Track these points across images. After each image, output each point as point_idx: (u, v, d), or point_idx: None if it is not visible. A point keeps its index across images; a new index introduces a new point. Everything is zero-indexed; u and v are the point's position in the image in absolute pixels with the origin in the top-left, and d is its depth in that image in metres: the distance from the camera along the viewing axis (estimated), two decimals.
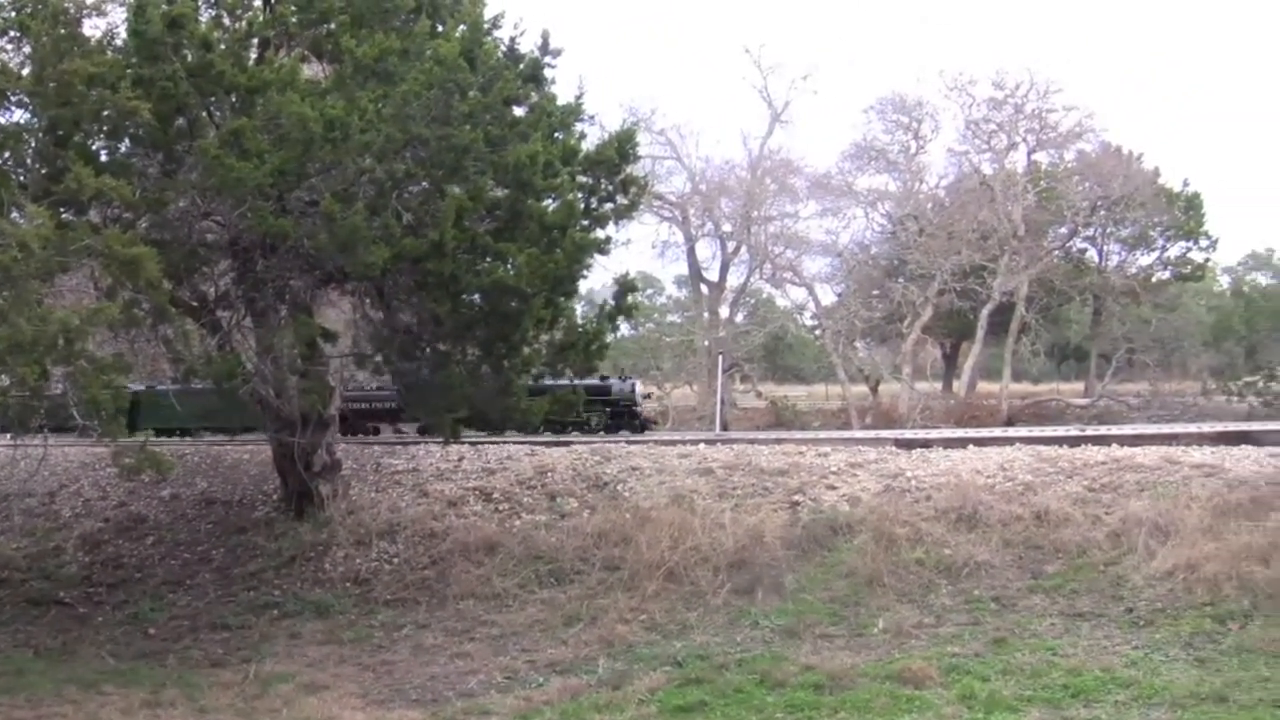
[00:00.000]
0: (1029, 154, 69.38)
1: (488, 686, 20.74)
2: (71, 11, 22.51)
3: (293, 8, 24.70)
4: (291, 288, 25.23)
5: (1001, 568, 23.76)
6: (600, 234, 26.89)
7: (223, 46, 23.42)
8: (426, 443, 32.93)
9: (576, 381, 37.35)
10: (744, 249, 67.54)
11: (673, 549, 24.81)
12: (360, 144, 22.15)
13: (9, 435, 27.28)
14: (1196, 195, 72.44)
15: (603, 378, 39.99)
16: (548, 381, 36.87)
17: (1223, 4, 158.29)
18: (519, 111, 25.91)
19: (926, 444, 31.17)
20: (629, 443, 33.04)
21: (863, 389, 64.03)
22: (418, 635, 23.56)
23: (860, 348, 67.76)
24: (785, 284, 69.80)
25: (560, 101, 27.12)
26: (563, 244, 24.65)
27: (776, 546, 25.05)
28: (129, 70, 22.36)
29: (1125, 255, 74.47)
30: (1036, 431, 35.16)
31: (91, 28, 23.82)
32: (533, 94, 26.68)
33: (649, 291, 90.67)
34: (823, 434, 38.08)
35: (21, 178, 22.04)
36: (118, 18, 24.05)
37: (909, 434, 35.81)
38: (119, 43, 23.61)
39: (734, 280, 70.70)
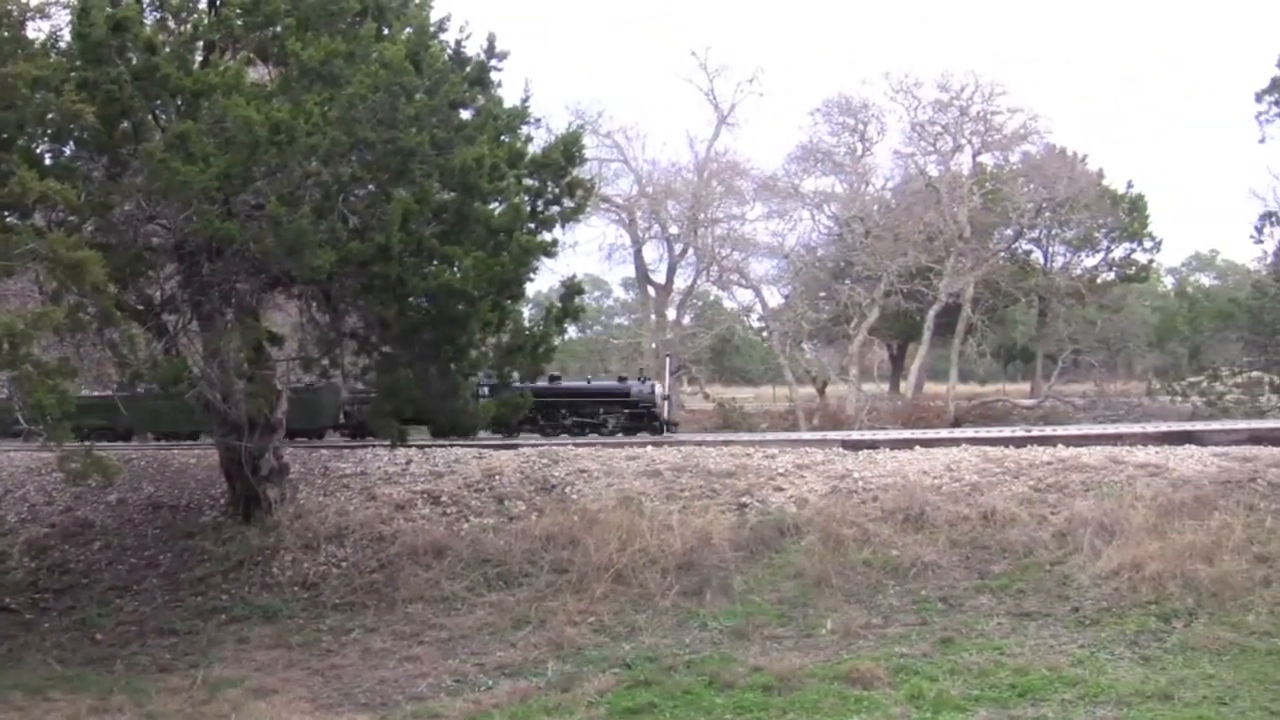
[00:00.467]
0: (974, 156, 69.77)
1: (437, 690, 20.74)
2: (15, 14, 22.34)
3: (238, 11, 24.60)
4: (238, 291, 25.11)
5: (948, 568, 23.92)
6: (547, 237, 26.90)
7: (168, 49, 23.30)
8: (374, 446, 32.81)
9: (594, 383, 37.52)
10: (691, 251, 67.63)
11: (621, 551, 24.85)
12: (306, 147, 22.07)
13: None
14: (1140, 197, 72.96)
15: (621, 379, 39.95)
16: (564, 384, 36.96)
17: (1163, 7, 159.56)
18: (465, 114, 25.88)
19: (873, 445, 31.31)
20: (577, 445, 33.02)
21: (810, 390, 64.18)
22: (366, 639, 23.51)
23: (807, 349, 67.80)
24: (732, 286, 69.97)
25: (506, 104, 27.12)
26: (509, 247, 24.65)
27: (724, 548, 25.12)
28: (73, 73, 22.23)
29: (1070, 257, 75.00)
30: (983, 432, 35.36)
31: (35, 30, 23.65)
32: (479, 97, 26.65)
33: (596, 294, 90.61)
34: (770, 436, 38.19)
35: None
36: (62, 20, 23.88)
37: (856, 435, 35.93)
38: (63, 45, 23.44)
39: (681, 282, 70.83)
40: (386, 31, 25.45)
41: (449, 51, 26.45)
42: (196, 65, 24.32)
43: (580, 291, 28.62)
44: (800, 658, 20.54)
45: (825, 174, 71.04)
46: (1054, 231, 71.41)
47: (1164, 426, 34.71)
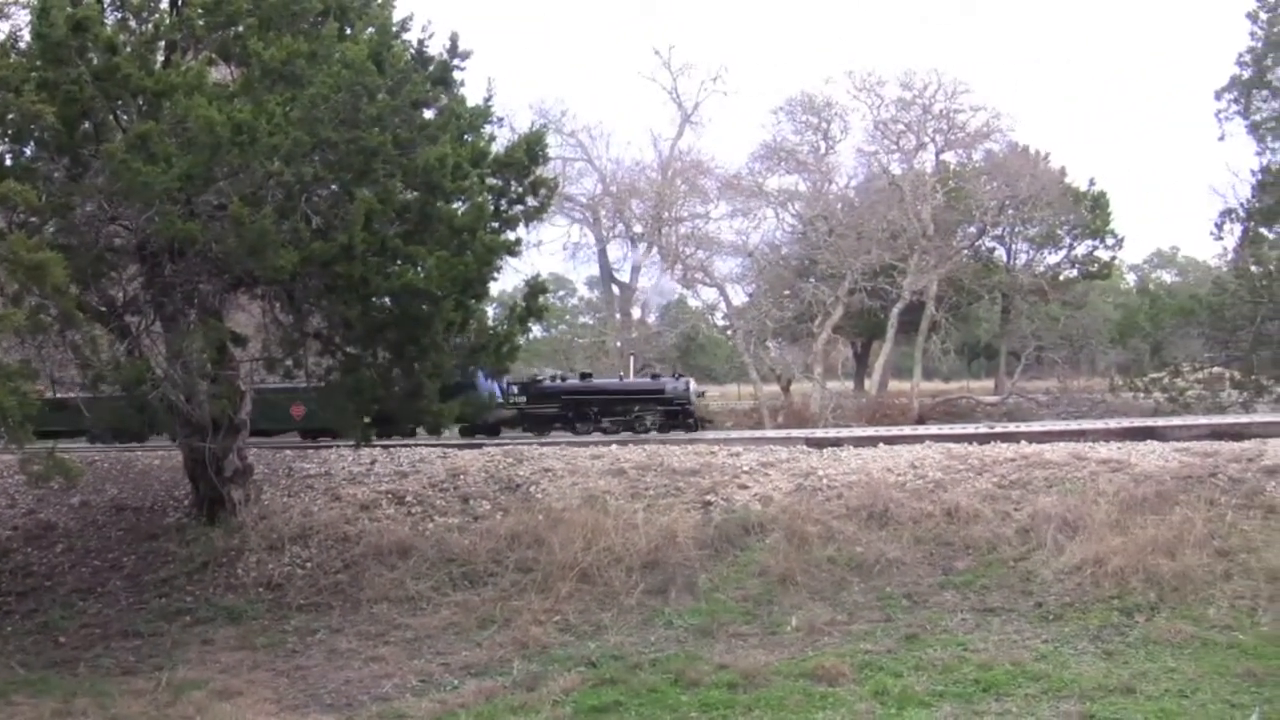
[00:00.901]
0: (937, 154, 70.22)
1: (402, 690, 20.66)
2: None
3: (200, 10, 24.48)
4: (200, 292, 24.99)
5: (913, 565, 23.99)
6: (510, 236, 26.89)
7: (129, 50, 23.17)
8: (338, 446, 32.76)
9: (627, 380, 37.44)
10: (655, 250, 67.75)
11: (586, 550, 24.84)
12: (268, 147, 21.99)
13: None
14: (1103, 194, 73.54)
15: (654, 376, 39.79)
16: (596, 381, 36.90)
17: (1125, 8, 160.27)
18: (428, 114, 25.84)
19: (838, 443, 31.39)
20: (541, 444, 33.02)
21: (774, 388, 64.29)
22: (331, 640, 23.44)
23: (772, 347, 67.99)
24: (696, 284, 70.10)
25: (470, 103, 27.09)
26: (472, 246, 24.63)
27: (689, 546, 25.14)
28: (33, 73, 22.11)
29: (1033, 254, 75.52)
30: (947, 429, 35.47)
31: None
32: (442, 96, 26.63)
33: (561, 293, 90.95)
34: (734, 434, 38.23)
35: None
36: (22, 20, 23.80)
37: (820, 433, 36.00)
38: (23, 46, 23.33)
39: (645, 281, 71.01)
40: (349, 31, 25.39)
41: (411, 51, 26.43)
42: (158, 65, 24.19)
43: (544, 290, 28.62)
44: (765, 655, 20.56)
45: (789, 172, 71.44)
46: (1017, 229, 71.86)
47: (1126, 422, 34.90)
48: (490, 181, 26.61)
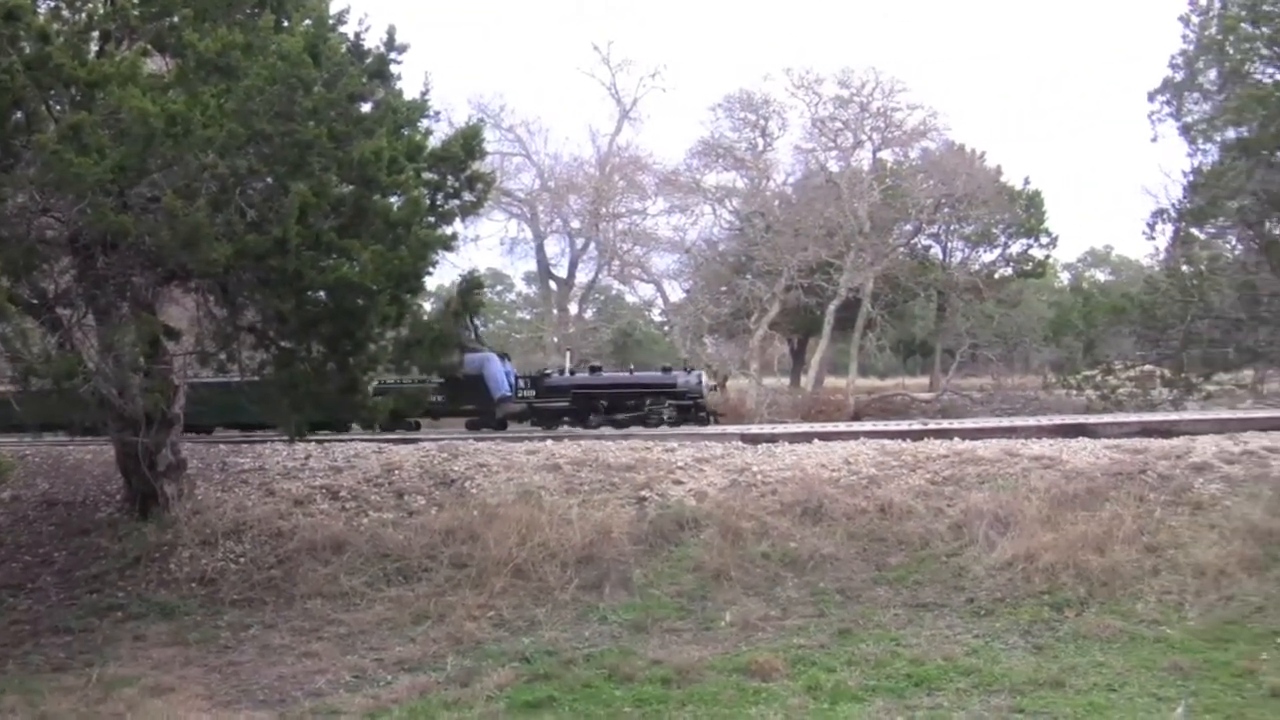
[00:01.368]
0: (874, 152, 70.67)
1: (336, 686, 20.59)
2: None
3: (134, 0, 24.32)
4: (133, 285, 24.77)
5: (846, 560, 24.07)
6: (447, 231, 26.68)
7: (62, 39, 22.85)
8: (273, 441, 32.60)
9: (638, 374, 37.41)
10: (592, 245, 67.86)
11: (520, 545, 24.79)
12: (202, 139, 21.80)
13: None
14: (1037, 193, 74.31)
15: (665, 369, 39.56)
16: (606, 375, 36.87)
17: (1058, 8, 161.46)
18: (364, 107, 25.62)
19: (773, 439, 31.40)
20: (477, 439, 32.93)
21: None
22: (265, 635, 23.29)
23: (708, 343, 68.18)
24: (633, 280, 70.26)
25: (407, 97, 26.92)
26: (408, 241, 24.49)
27: (624, 542, 25.13)
28: None
29: (969, 252, 76.19)
30: (882, 426, 35.62)
31: None
32: (378, 90, 26.43)
33: (498, 288, 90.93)
34: (669, 429, 38.27)
35: None
36: None
37: (755, 429, 36.05)
38: None
39: (583, 277, 71.17)
40: (285, 23, 25.21)
41: (348, 44, 26.22)
42: (92, 55, 23.97)
43: (480, 285, 28.54)
44: (699, 650, 20.61)
45: (726, 169, 71.79)
46: (953, 227, 72.48)
47: (1058, 419, 35.10)
48: (427, 176, 26.42)
